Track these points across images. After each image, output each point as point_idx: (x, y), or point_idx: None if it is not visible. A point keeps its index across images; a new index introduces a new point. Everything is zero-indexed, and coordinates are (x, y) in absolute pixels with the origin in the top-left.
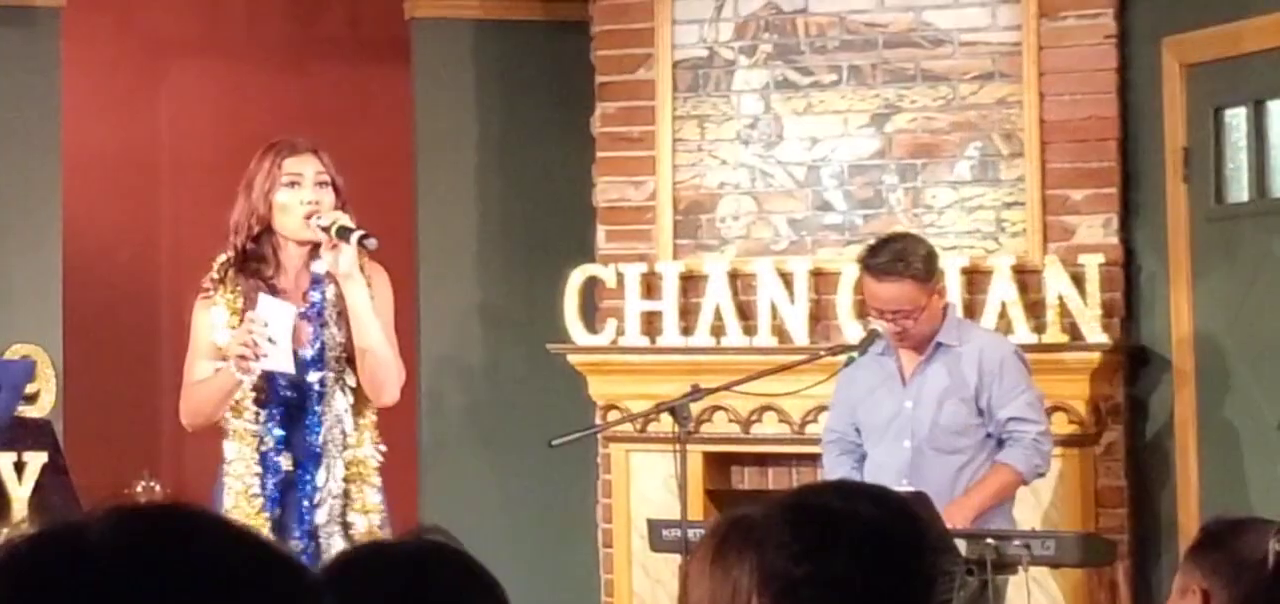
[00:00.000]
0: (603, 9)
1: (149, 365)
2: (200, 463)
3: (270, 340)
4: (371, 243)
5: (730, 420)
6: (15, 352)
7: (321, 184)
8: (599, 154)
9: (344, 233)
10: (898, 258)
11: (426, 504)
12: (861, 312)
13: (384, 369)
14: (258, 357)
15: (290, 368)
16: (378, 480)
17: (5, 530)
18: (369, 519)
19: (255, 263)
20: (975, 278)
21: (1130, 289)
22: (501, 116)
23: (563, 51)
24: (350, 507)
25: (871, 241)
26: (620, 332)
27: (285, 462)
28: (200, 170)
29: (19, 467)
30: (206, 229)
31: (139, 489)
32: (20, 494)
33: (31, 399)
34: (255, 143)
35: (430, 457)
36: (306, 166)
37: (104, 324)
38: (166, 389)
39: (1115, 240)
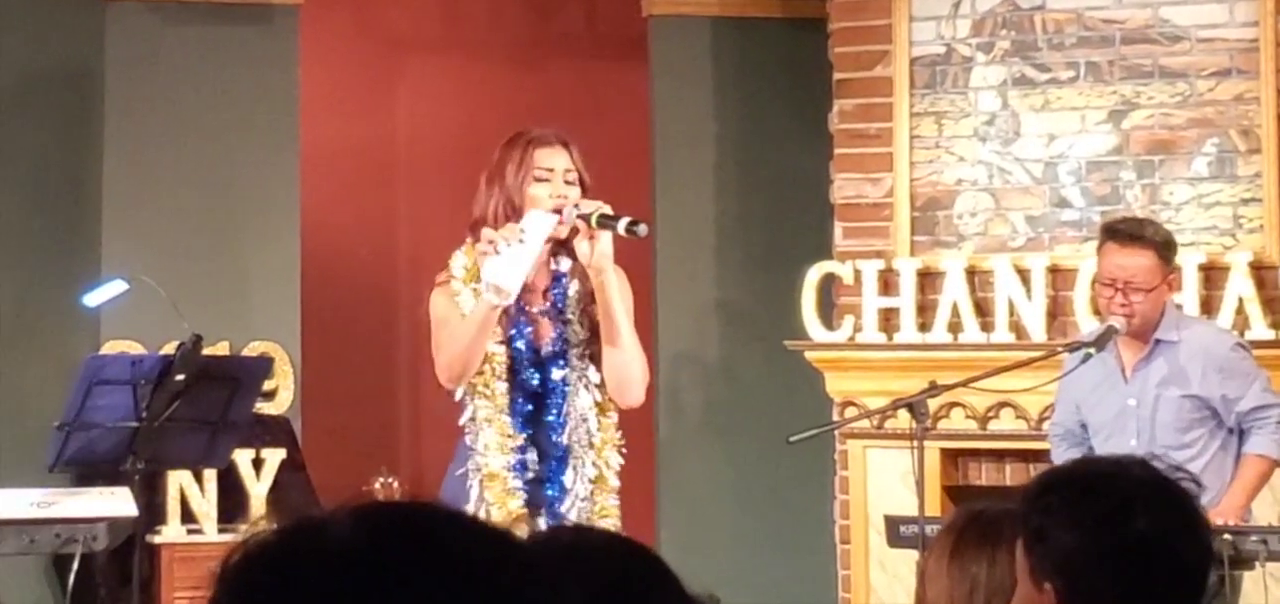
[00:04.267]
0: (840, 6)
1: (386, 362)
2: (438, 460)
3: (521, 240)
4: (641, 229)
5: (967, 417)
6: (253, 348)
7: (570, 182)
8: (836, 151)
9: (604, 221)
10: (1142, 227)
11: (663, 501)
12: (1097, 308)
13: (629, 367)
14: (498, 252)
15: (515, 287)
16: (616, 483)
17: (244, 527)
18: (608, 524)
19: None
20: (1212, 274)
21: None
22: (739, 113)
23: (800, 48)
24: (592, 511)
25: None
26: (858, 328)
27: (532, 458)
28: (437, 167)
29: (257, 463)
30: (444, 226)
31: (377, 486)
32: (258, 491)
33: (270, 396)
34: (493, 140)
35: (667, 453)
36: (557, 160)
37: (341, 321)
38: (403, 386)
39: None
